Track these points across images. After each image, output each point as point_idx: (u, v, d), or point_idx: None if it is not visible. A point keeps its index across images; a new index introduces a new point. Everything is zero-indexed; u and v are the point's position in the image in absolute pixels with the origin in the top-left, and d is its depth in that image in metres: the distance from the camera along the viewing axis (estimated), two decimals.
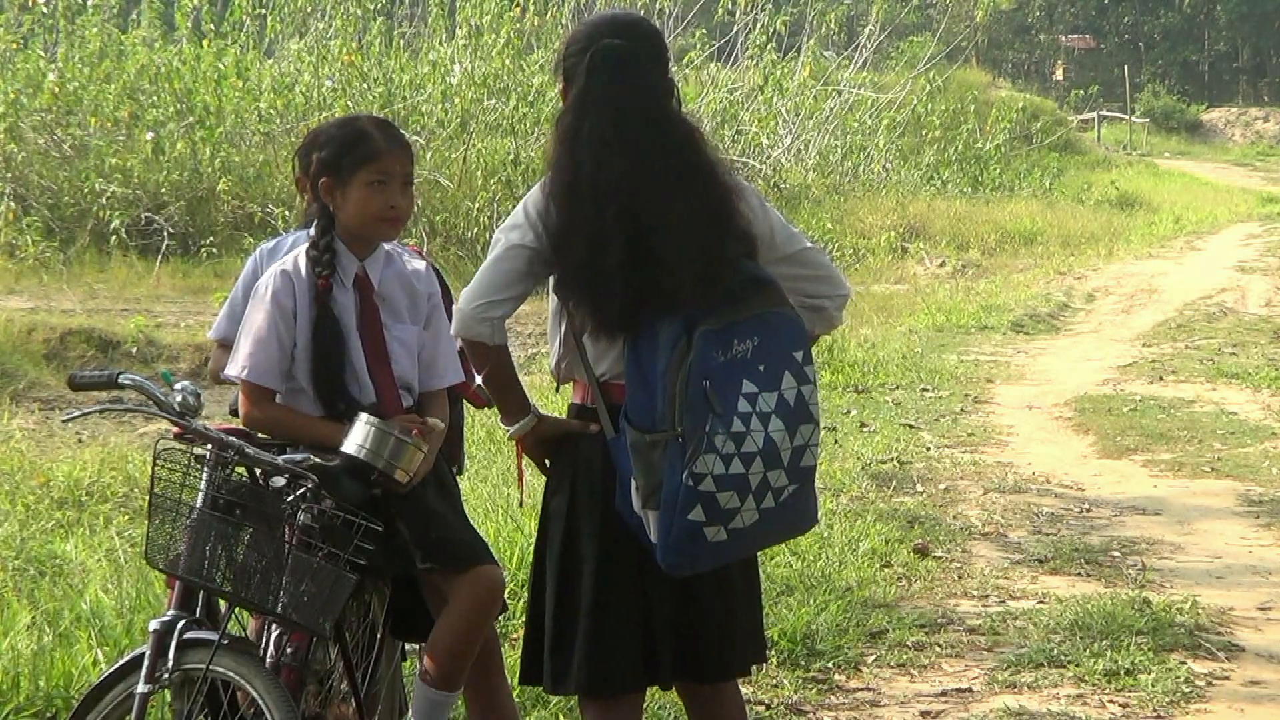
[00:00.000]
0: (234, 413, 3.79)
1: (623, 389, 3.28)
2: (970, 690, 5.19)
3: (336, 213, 3.58)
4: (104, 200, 17.52)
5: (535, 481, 6.38)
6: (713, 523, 3.13)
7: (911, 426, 9.86)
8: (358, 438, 3.39)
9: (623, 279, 3.20)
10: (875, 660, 5.45)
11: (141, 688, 3.22)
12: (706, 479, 3.10)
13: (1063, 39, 52.88)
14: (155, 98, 19.63)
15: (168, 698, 3.35)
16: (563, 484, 3.42)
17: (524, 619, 3.59)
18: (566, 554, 3.38)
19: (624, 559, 3.31)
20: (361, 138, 3.59)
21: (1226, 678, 5.32)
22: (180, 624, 3.27)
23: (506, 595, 4.10)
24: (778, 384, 3.14)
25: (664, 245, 3.20)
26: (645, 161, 3.23)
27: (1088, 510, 7.89)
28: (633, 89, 3.28)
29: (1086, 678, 5.22)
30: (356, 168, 3.56)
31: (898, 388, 11.32)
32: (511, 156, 19.03)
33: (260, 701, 3.23)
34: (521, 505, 3.40)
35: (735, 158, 22.22)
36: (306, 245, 3.62)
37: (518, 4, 21.56)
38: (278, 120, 19.51)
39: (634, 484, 3.22)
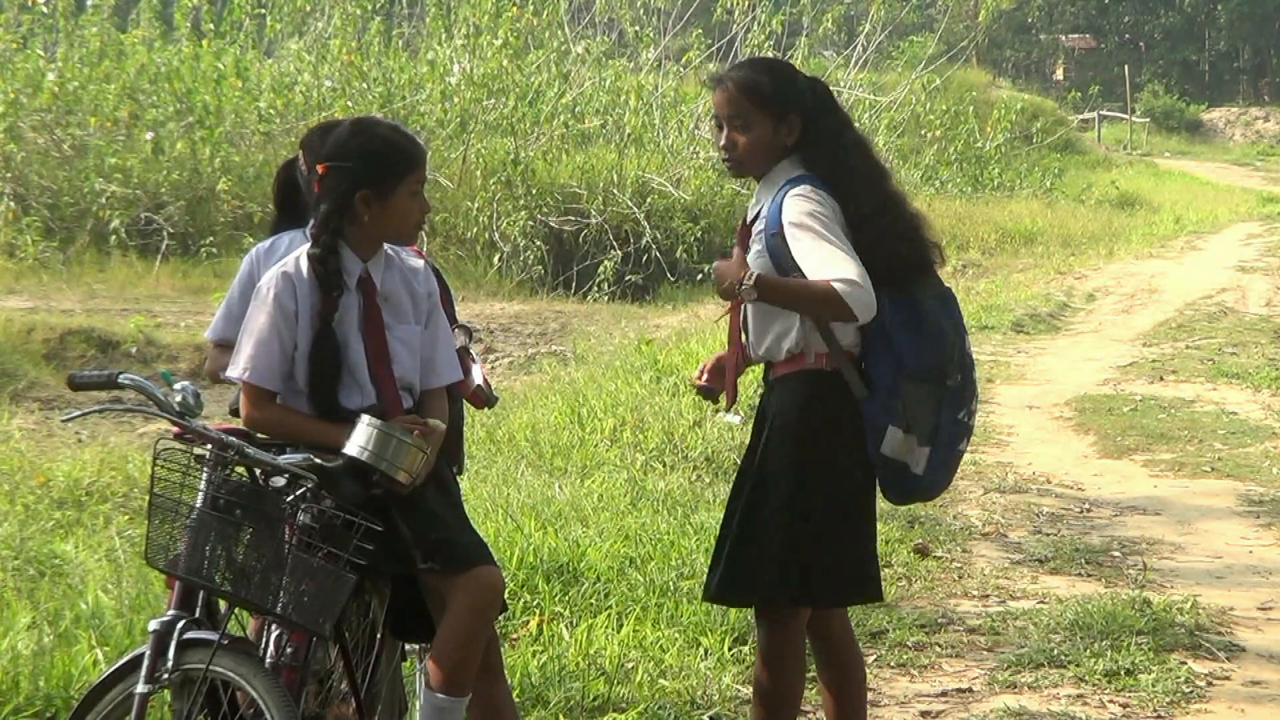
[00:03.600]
0: (234, 413, 3.79)
1: (853, 355, 3.91)
2: (970, 690, 5.19)
3: (370, 223, 3.55)
4: (104, 200, 17.54)
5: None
6: (963, 451, 3.98)
7: None
8: (359, 439, 3.39)
9: (891, 249, 3.90)
10: (875, 660, 5.45)
11: (141, 688, 3.22)
12: (969, 419, 3.94)
13: (1063, 39, 52.87)
14: (155, 98, 19.65)
15: (168, 698, 3.35)
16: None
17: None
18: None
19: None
20: (395, 147, 3.59)
21: (1227, 678, 5.32)
22: (180, 624, 3.27)
23: (506, 595, 4.10)
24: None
25: (910, 227, 3.95)
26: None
27: (1088, 510, 7.90)
28: None
29: (1087, 678, 5.22)
30: (401, 179, 3.56)
31: None
32: (511, 156, 19.03)
33: (260, 702, 3.23)
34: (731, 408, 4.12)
35: None
36: (308, 257, 3.58)
37: (515, 4, 21.56)
38: (277, 120, 19.52)
39: (891, 431, 3.86)
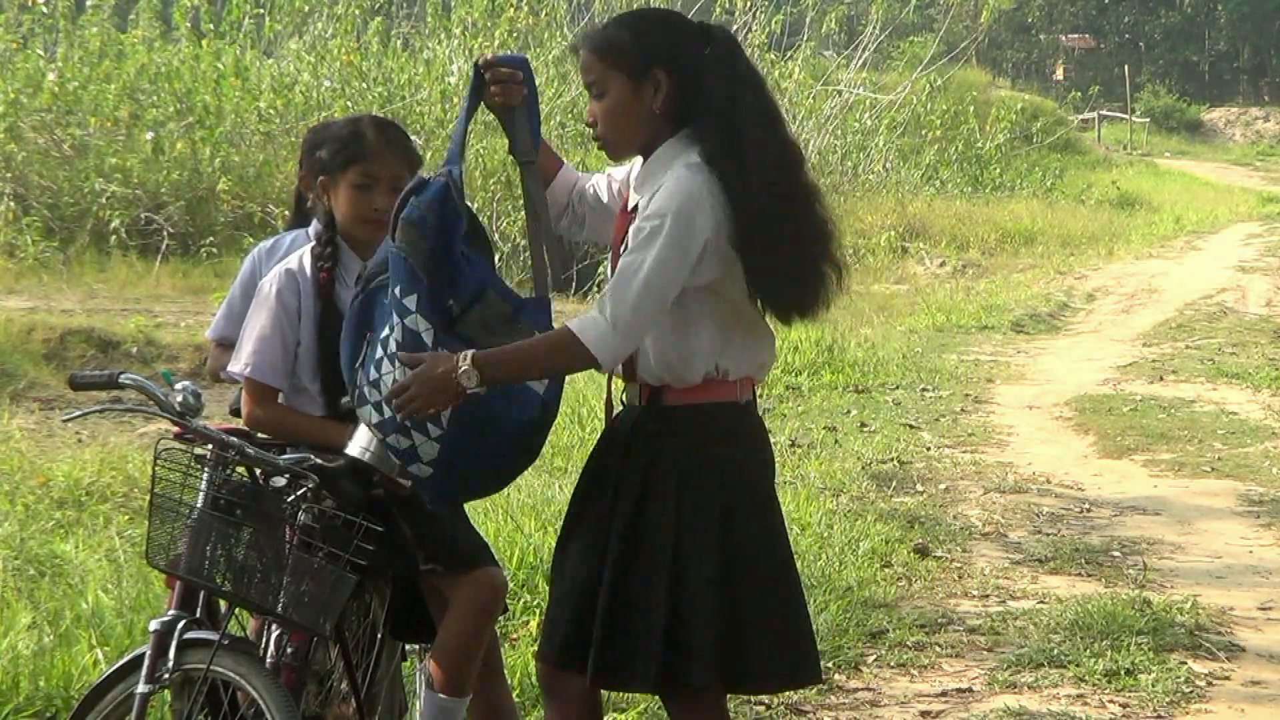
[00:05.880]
0: (235, 412, 3.79)
1: None
2: (970, 690, 5.19)
3: (334, 211, 3.60)
4: (104, 200, 17.51)
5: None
6: (409, 461, 3.18)
7: (911, 426, 9.86)
8: (361, 440, 3.38)
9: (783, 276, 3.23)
10: (875, 660, 5.45)
11: (142, 688, 3.22)
12: (373, 427, 3.21)
13: (1063, 39, 52.91)
14: (155, 98, 19.63)
15: (168, 698, 3.35)
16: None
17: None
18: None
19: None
20: (355, 138, 3.59)
21: (1227, 678, 5.32)
22: (180, 624, 3.27)
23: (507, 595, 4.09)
24: (391, 323, 3.13)
25: (816, 238, 3.25)
26: None
27: (1088, 510, 7.90)
28: None
29: (1087, 678, 5.23)
30: (346, 167, 3.57)
31: (898, 388, 11.32)
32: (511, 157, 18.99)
33: (260, 701, 3.23)
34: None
35: None
36: (311, 243, 3.62)
37: (512, 3, 21.54)
38: (277, 120, 19.50)
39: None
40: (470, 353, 3.03)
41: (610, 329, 3.04)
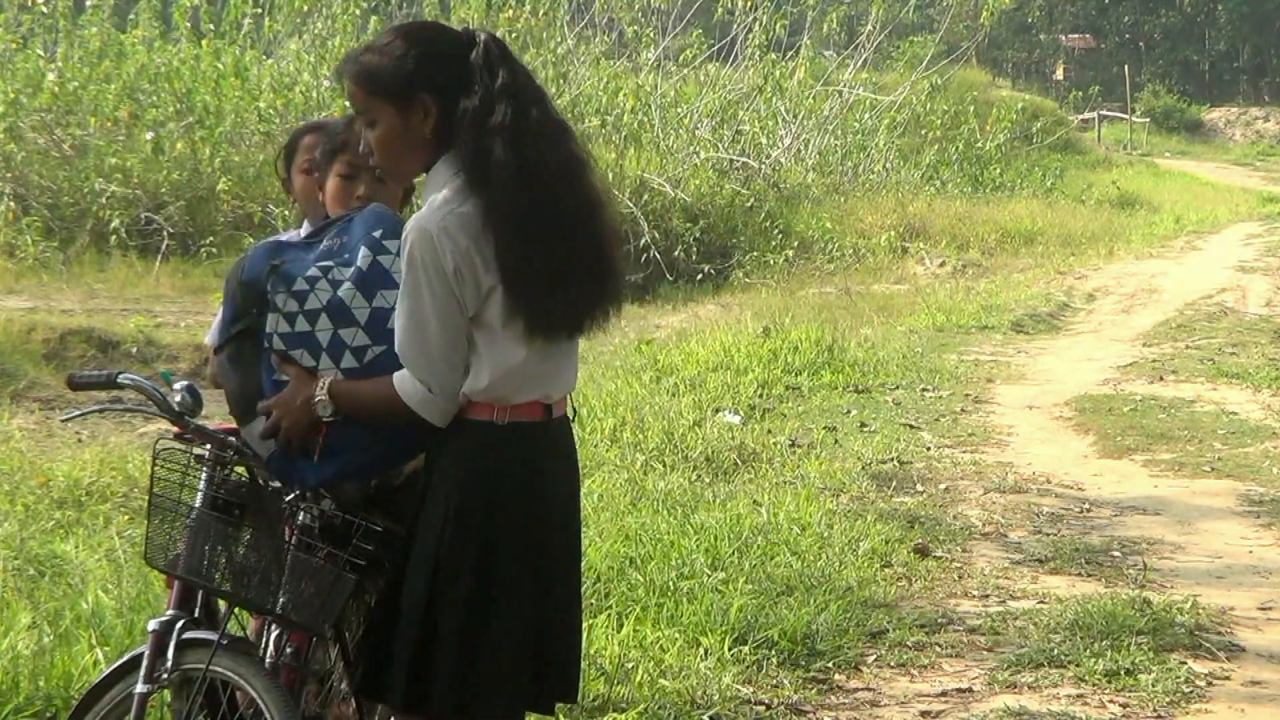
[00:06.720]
0: None
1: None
2: (970, 690, 5.19)
3: (325, 203, 3.62)
4: (104, 200, 17.53)
5: None
6: None
7: (911, 426, 9.86)
8: None
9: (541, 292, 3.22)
10: (875, 660, 5.45)
11: (141, 687, 3.22)
12: (275, 338, 3.17)
13: (1063, 39, 52.91)
14: (155, 97, 19.65)
15: (167, 697, 3.35)
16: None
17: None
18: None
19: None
20: (344, 130, 3.61)
21: (1227, 678, 5.32)
22: (179, 624, 3.27)
23: None
24: (355, 259, 3.17)
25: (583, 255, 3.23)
26: None
27: (1088, 510, 7.89)
28: None
29: (1087, 678, 5.23)
30: (330, 160, 3.61)
31: (898, 388, 11.31)
32: None
33: (260, 702, 3.22)
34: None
35: (735, 157, 22.21)
36: None
37: (511, 3, 21.52)
38: (277, 120, 19.52)
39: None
40: (328, 381, 3.12)
41: (428, 393, 3.07)
